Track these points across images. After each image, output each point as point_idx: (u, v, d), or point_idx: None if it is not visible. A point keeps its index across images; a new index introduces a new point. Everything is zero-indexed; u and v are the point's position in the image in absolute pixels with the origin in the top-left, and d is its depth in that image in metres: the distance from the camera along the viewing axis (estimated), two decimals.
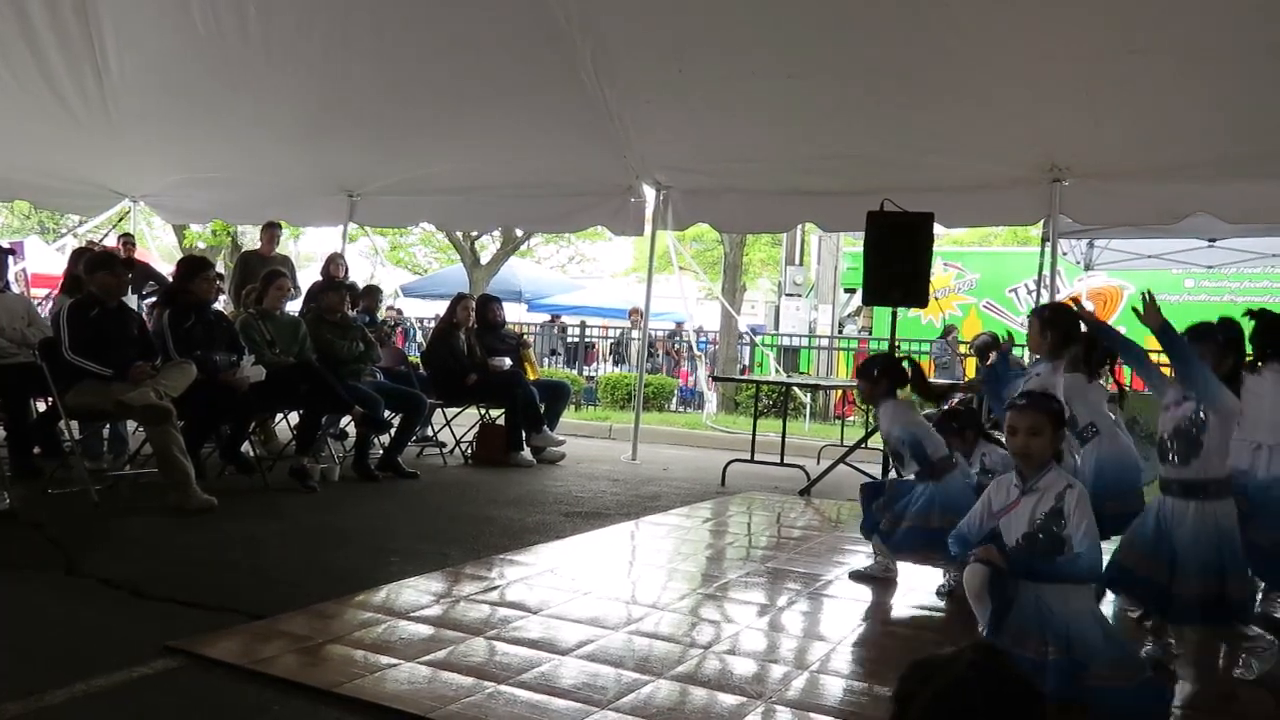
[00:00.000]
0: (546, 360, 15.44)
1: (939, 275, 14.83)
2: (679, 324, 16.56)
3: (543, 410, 8.21)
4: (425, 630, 3.54)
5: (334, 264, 9.12)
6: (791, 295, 16.33)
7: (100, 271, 5.81)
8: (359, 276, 10.83)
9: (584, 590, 4.22)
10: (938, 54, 6.36)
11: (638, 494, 6.90)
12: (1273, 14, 5.41)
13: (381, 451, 7.18)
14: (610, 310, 19.69)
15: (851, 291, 17.04)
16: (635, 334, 15.10)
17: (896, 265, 6.50)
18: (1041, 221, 7.55)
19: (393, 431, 7.19)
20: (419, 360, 8.87)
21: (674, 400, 13.82)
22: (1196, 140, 6.42)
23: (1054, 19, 5.86)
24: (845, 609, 4.31)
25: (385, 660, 3.19)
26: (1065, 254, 9.14)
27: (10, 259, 7.23)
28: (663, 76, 7.21)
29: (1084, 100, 6.36)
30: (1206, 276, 13.00)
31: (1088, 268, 10.37)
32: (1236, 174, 6.55)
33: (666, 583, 4.60)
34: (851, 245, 16.45)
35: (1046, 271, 7.89)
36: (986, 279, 16.25)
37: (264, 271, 7.31)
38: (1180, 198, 6.80)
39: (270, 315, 6.84)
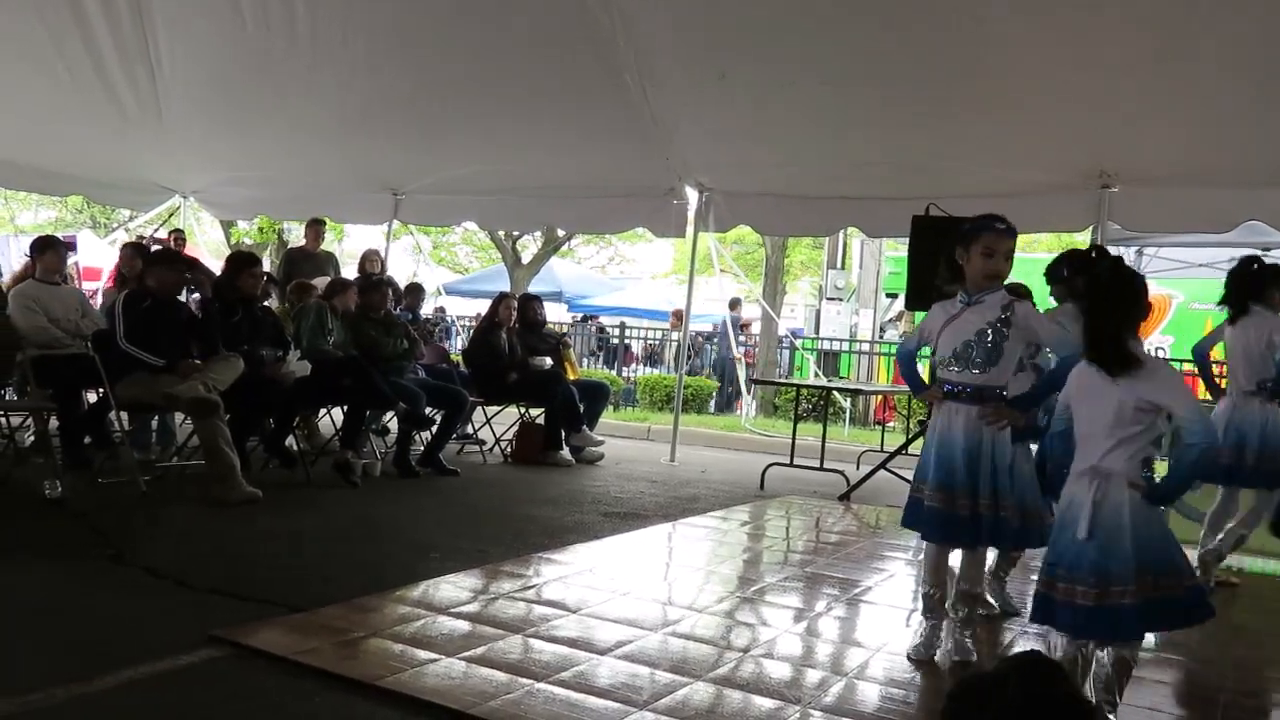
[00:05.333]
0: (586, 360, 15.47)
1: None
2: (716, 325, 16.51)
3: (582, 410, 8.23)
4: (463, 626, 3.57)
5: (370, 260, 9.19)
6: (832, 299, 16.23)
7: (160, 266, 5.97)
8: (401, 275, 10.94)
9: (621, 591, 4.23)
10: (983, 61, 6.29)
11: (676, 496, 6.90)
12: None
13: (423, 448, 7.24)
14: (650, 311, 19.69)
15: (893, 296, 16.89)
16: (675, 335, 15.08)
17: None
18: (1090, 229, 7.44)
19: (434, 429, 7.25)
20: (460, 358, 8.93)
21: (712, 402, 13.80)
22: (1248, 146, 6.28)
23: (1099, 25, 5.77)
24: (884, 615, 4.28)
25: (424, 655, 3.21)
26: None
27: (68, 253, 7.39)
28: (706, 79, 7.19)
29: (1133, 106, 6.26)
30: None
31: None
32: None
33: (704, 585, 4.59)
34: (894, 250, 16.30)
35: None
36: (1027, 284, 15.99)
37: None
38: (1231, 204, 6.66)
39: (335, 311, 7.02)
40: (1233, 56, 5.70)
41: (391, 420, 7.47)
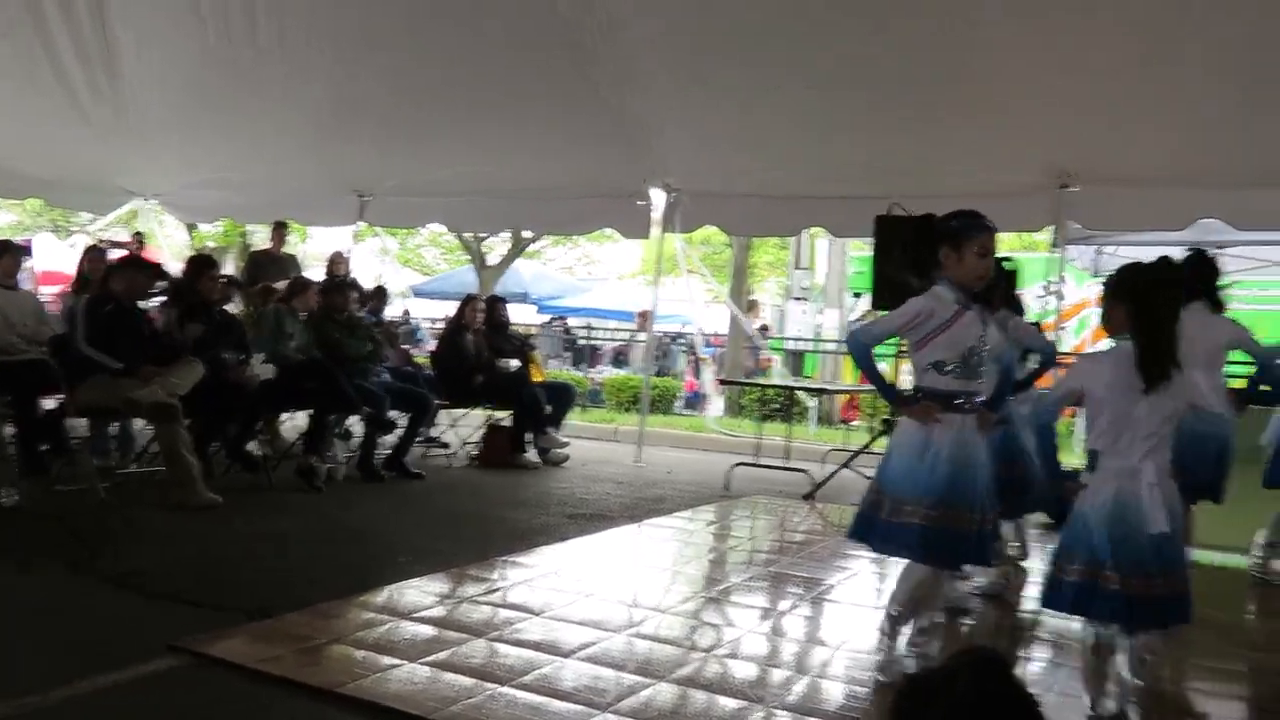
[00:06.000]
0: (553, 362, 15.44)
1: None
2: (683, 326, 16.54)
3: (548, 412, 8.22)
4: (427, 631, 3.55)
5: (336, 263, 9.14)
6: (798, 299, 16.29)
7: (130, 270, 5.92)
8: (367, 277, 10.86)
9: (586, 592, 4.23)
10: (947, 63, 6.36)
11: (642, 496, 6.91)
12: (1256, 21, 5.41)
13: (388, 452, 7.19)
14: (617, 312, 19.70)
15: (859, 295, 16.99)
16: (642, 336, 15.09)
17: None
18: (1050, 228, 7.54)
19: (399, 432, 7.21)
20: (427, 360, 8.89)
21: (680, 403, 13.82)
22: (1203, 146, 6.41)
23: (1061, 27, 5.86)
24: (847, 614, 4.32)
25: (387, 660, 3.20)
26: (1074, 260, 9.11)
27: (24, 257, 7.29)
28: (677, 81, 7.22)
29: (1091, 107, 6.36)
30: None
31: (1095, 274, 10.34)
32: (1244, 180, 6.53)
33: (669, 586, 4.60)
34: (859, 249, 16.40)
35: (1054, 276, 7.88)
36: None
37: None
38: (1186, 203, 6.78)
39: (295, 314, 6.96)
40: (1191, 60, 5.80)
41: (356, 423, 7.42)
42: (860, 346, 3.42)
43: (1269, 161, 6.34)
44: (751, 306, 15.59)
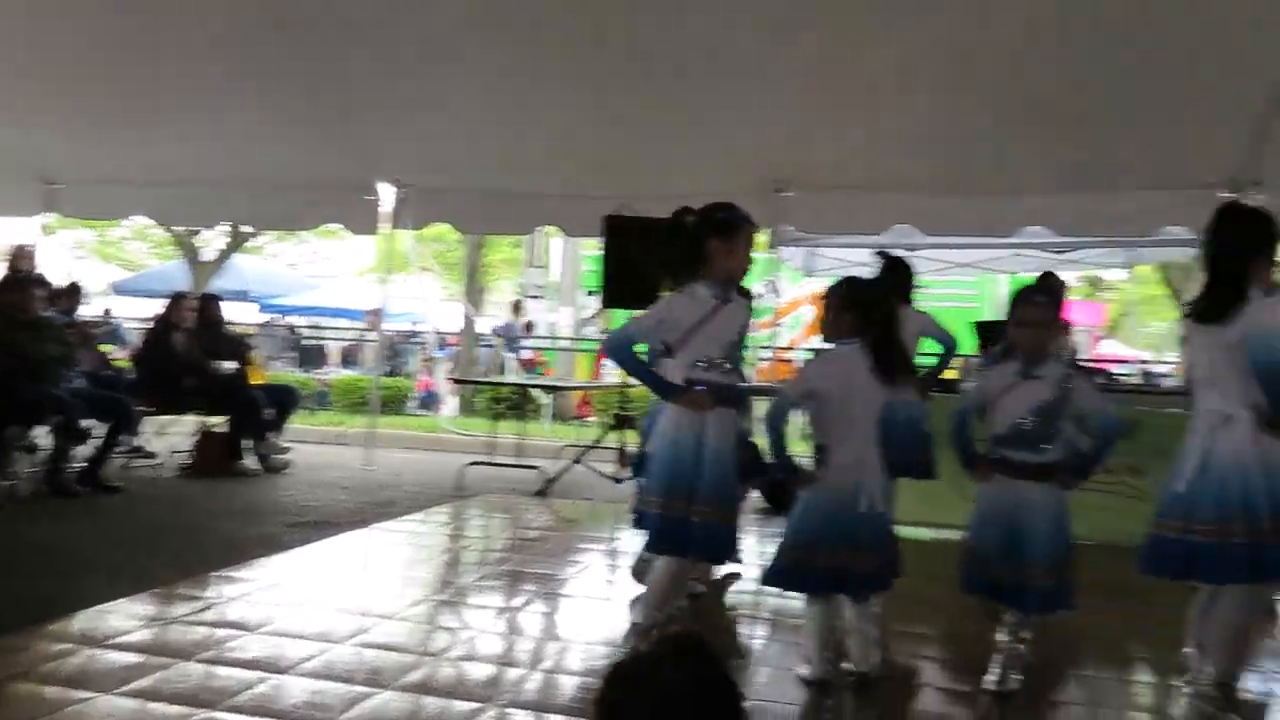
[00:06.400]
0: (276, 363, 14.66)
1: None
2: (415, 324, 16.18)
3: (269, 416, 7.79)
4: (130, 658, 3.25)
5: (18, 258, 8.23)
6: (533, 297, 16.38)
7: None
8: (55, 273, 9.83)
9: (310, 604, 4.03)
10: (674, 66, 6.55)
11: (371, 500, 6.68)
12: (972, 45, 5.97)
13: (84, 464, 6.53)
14: (347, 311, 19.00)
15: (592, 293, 17.31)
16: (372, 335, 14.63)
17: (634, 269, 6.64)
18: (767, 230, 7.97)
19: (96, 442, 6.56)
20: (129, 363, 8.16)
21: (412, 403, 13.52)
22: (899, 157, 6.99)
23: (779, 39, 6.18)
24: (581, 607, 4.36)
25: (80, 695, 2.90)
26: (789, 260, 9.69)
27: None
28: (400, 75, 7.00)
29: (801, 116, 6.78)
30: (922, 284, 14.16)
31: (808, 274, 11.06)
32: (934, 189, 7.19)
33: (400, 591, 4.46)
34: (592, 248, 16.70)
35: (771, 276, 8.34)
36: None
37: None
38: (884, 209, 7.37)
39: None
40: (889, 75, 6.28)
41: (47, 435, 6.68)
42: (617, 349, 3.43)
43: (951, 171, 7.01)
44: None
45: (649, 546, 3.51)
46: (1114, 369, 10.53)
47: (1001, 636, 3.32)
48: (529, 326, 15.50)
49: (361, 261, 26.72)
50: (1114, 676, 3.82)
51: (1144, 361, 12.92)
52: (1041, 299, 3.35)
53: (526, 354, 14.75)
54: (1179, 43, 5.61)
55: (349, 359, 17.08)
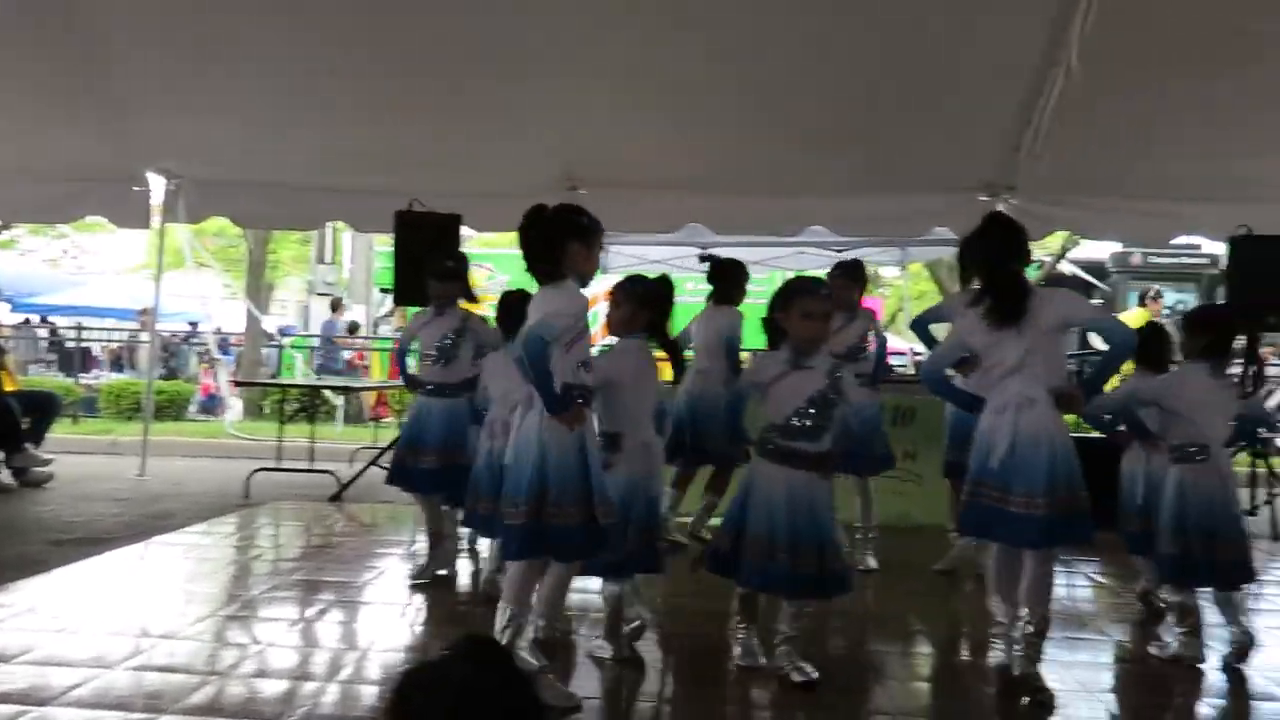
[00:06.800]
0: (34, 367, 13.49)
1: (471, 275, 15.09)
2: (193, 324, 15.25)
3: (26, 426, 7.16)
4: None
5: None
6: (323, 294, 15.79)
7: None
8: None
9: (78, 627, 3.73)
10: (467, 60, 6.46)
11: (146, 513, 6.24)
12: (757, 56, 6.21)
13: None
14: (116, 310, 17.69)
15: (387, 291, 16.86)
16: (145, 336, 13.68)
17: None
18: None
19: None
20: None
21: (194, 408, 12.75)
22: (688, 158, 7.17)
23: (575, 38, 6.21)
24: (378, 614, 4.24)
25: None
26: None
27: None
28: (174, 56, 6.56)
29: (596, 117, 6.84)
30: (704, 280, 14.56)
31: (604, 271, 11.18)
32: (724, 190, 7.43)
33: (183, 608, 4.19)
34: (384, 244, 16.26)
35: None
36: (516, 280, 16.83)
37: None
38: (677, 208, 7.55)
39: None
40: (678, 78, 6.43)
41: None
42: (534, 352, 3.08)
43: (740, 173, 7.26)
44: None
45: (511, 555, 3.26)
46: (891, 360, 11.20)
47: (782, 627, 3.41)
48: (353, 328, 14.97)
49: (132, 258, 25.00)
50: (899, 650, 4.08)
51: (917, 354, 13.81)
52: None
53: (349, 354, 14.24)
54: (942, 63, 6.10)
55: (120, 362, 15.92)
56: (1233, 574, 3.62)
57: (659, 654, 3.76)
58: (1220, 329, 3.71)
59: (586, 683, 3.40)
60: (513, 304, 4.32)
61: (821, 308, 3.38)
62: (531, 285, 3.34)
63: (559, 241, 3.23)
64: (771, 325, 3.43)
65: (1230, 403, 3.65)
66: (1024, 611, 3.29)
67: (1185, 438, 3.62)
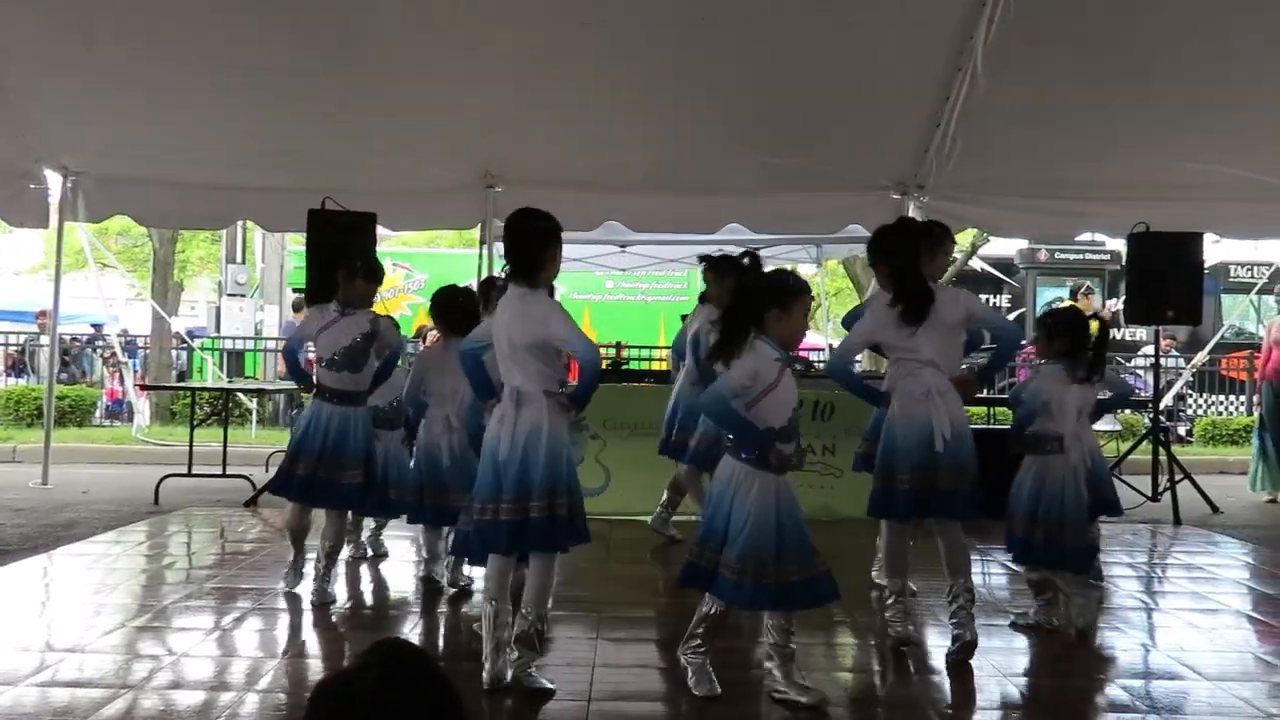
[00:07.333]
0: None
1: (389, 275, 14.88)
2: (97, 326, 14.72)
3: None
4: None
5: None
6: (234, 295, 15.37)
7: None
8: None
9: None
10: (380, 58, 6.38)
11: (49, 523, 6.04)
12: (646, 57, 6.26)
13: None
14: (12, 312, 17.01)
15: (300, 291, 16.51)
16: (44, 339, 13.18)
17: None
18: (479, 225, 7.93)
19: None
20: None
21: (100, 413, 12.32)
22: (607, 155, 7.20)
23: (492, 36, 6.17)
24: (299, 621, 4.17)
25: None
26: (504, 256, 9.71)
27: None
28: (70, 50, 6.34)
29: (512, 114, 6.82)
30: (623, 278, 14.57)
31: None
32: (640, 187, 7.46)
33: (92, 619, 4.06)
34: (298, 244, 15.93)
35: (486, 272, 8.31)
36: (434, 278, 16.69)
37: None
38: (595, 207, 7.55)
39: None
40: (595, 76, 6.45)
41: None
42: (469, 356, 3.58)
43: (658, 172, 7.31)
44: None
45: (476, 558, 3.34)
46: (809, 355, 11.38)
47: (773, 639, 3.22)
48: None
49: (30, 258, 24.07)
50: (821, 641, 4.14)
51: (834, 348, 14.06)
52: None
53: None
54: (855, 68, 6.33)
55: (17, 367, 15.28)
56: (1079, 559, 3.97)
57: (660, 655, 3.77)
58: (1075, 333, 4.01)
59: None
60: (455, 300, 4.36)
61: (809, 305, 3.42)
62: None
63: (542, 248, 3.58)
64: (743, 321, 3.20)
65: (1086, 396, 3.99)
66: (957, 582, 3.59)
67: (1042, 430, 3.94)
